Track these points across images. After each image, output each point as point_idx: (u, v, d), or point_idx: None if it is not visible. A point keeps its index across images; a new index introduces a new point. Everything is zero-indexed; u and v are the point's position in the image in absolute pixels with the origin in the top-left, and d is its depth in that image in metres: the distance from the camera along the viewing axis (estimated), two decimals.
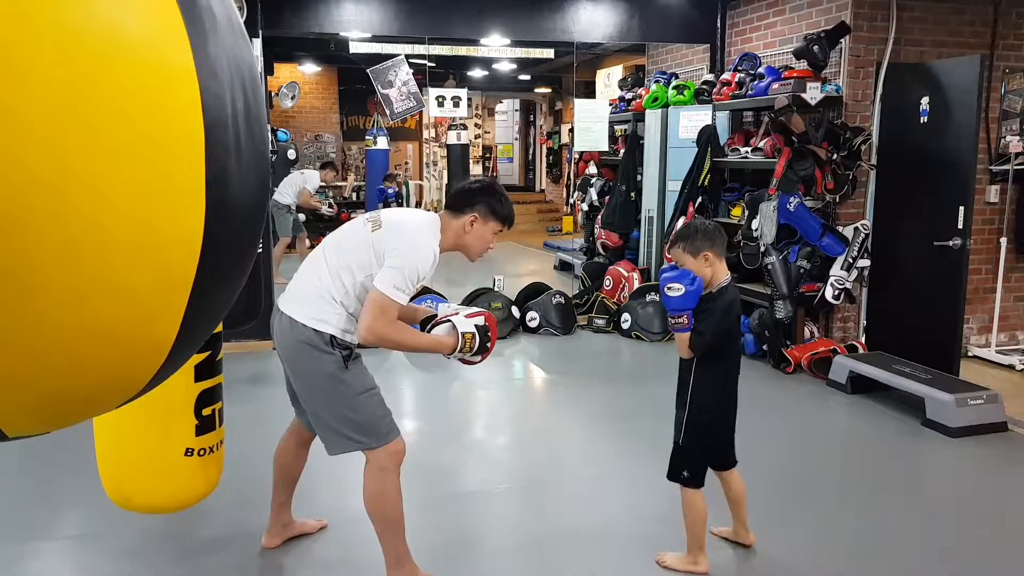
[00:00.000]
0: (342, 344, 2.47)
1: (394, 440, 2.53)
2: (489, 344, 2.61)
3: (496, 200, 2.60)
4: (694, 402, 2.69)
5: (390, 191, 9.66)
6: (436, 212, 2.69)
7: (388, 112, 6.85)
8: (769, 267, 5.20)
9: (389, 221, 2.54)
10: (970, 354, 5.75)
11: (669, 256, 2.73)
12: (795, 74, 5.19)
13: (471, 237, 2.60)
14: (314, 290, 2.49)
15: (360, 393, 2.50)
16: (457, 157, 8.40)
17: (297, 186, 8.46)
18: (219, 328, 2.16)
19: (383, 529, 2.56)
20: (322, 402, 2.51)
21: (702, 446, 2.74)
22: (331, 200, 9.81)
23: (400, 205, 9.65)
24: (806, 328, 5.42)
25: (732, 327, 2.70)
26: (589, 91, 10.72)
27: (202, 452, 2.29)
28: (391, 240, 2.45)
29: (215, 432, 2.33)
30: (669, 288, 2.57)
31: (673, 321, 2.62)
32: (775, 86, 5.30)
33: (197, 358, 2.22)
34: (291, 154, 9.74)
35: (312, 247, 8.42)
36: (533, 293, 6.58)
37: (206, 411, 2.28)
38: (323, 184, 9.20)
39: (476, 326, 2.58)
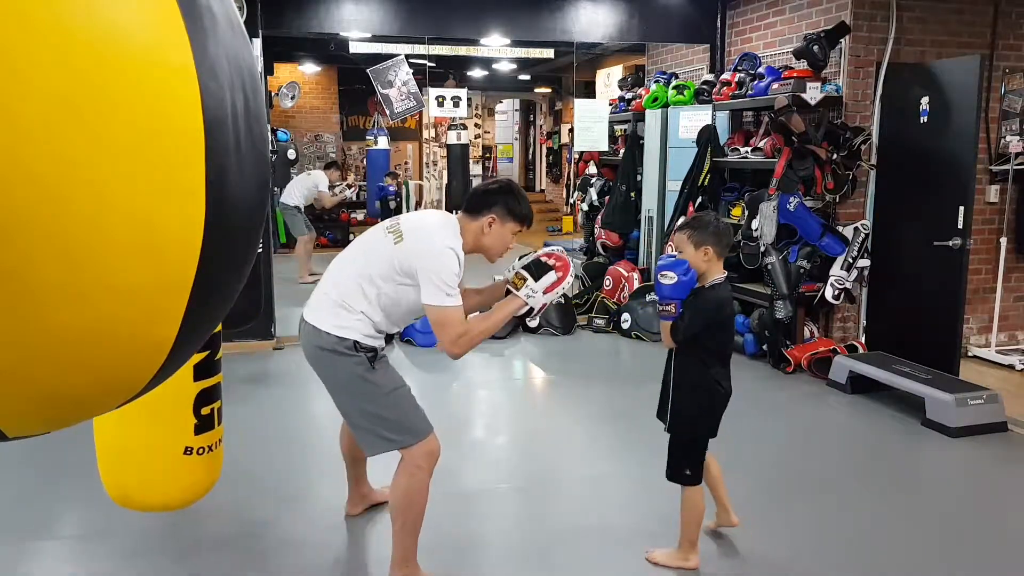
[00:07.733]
0: (366, 348, 2.49)
1: (429, 437, 2.54)
2: (553, 263, 2.55)
3: (513, 200, 2.58)
4: (678, 395, 2.73)
5: (390, 188, 9.67)
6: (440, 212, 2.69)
7: (388, 112, 6.85)
8: (769, 267, 5.20)
9: (409, 232, 2.52)
10: (970, 354, 5.75)
11: (672, 240, 2.76)
12: (795, 74, 5.19)
13: (490, 239, 2.58)
14: (334, 299, 2.51)
15: (390, 391, 2.52)
16: (457, 157, 8.41)
17: (307, 188, 8.49)
18: (219, 328, 2.16)
19: (402, 526, 2.57)
20: (353, 404, 2.53)
21: (692, 439, 2.76)
22: (347, 183, 9.77)
23: (399, 203, 9.66)
24: (806, 328, 5.41)
25: (720, 324, 2.71)
26: (589, 91, 10.71)
27: (201, 451, 2.29)
28: (416, 259, 2.44)
29: (214, 431, 2.34)
30: (663, 276, 2.61)
31: (661, 308, 2.66)
32: (775, 86, 5.30)
33: (196, 357, 2.23)
34: (291, 154, 9.76)
35: (317, 245, 8.53)
36: None
37: (205, 410, 2.28)
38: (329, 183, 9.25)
39: (523, 266, 2.58)
